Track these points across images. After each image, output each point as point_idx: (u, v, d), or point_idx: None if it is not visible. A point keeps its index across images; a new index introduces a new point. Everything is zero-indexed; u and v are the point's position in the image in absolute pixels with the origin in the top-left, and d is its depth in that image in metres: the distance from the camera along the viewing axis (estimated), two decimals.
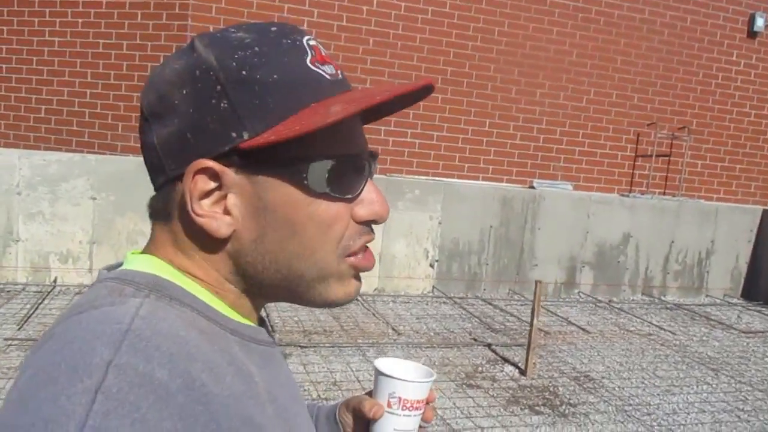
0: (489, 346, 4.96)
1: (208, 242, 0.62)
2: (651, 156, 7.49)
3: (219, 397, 0.52)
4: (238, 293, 0.65)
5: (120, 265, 0.65)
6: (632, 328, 5.85)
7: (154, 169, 0.63)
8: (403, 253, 6.32)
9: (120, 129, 6.25)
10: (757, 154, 7.94)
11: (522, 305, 6.32)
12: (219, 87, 0.58)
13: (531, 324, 4.37)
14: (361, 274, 0.67)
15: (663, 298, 7.21)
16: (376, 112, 0.67)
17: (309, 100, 0.59)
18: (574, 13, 7.02)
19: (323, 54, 0.63)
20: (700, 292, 7.47)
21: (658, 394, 4.26)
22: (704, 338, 5.77)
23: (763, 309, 7.10)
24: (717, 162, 7.81)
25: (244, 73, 0.58)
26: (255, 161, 0.59)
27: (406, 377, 0.85)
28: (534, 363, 4.49)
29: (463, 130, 6.84)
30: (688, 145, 7.56)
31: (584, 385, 4.31)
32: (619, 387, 4.34)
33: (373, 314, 5.53)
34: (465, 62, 6.75)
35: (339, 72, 0.64)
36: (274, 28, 0.62)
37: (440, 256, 6.48)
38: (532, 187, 6.96)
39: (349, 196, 0.63)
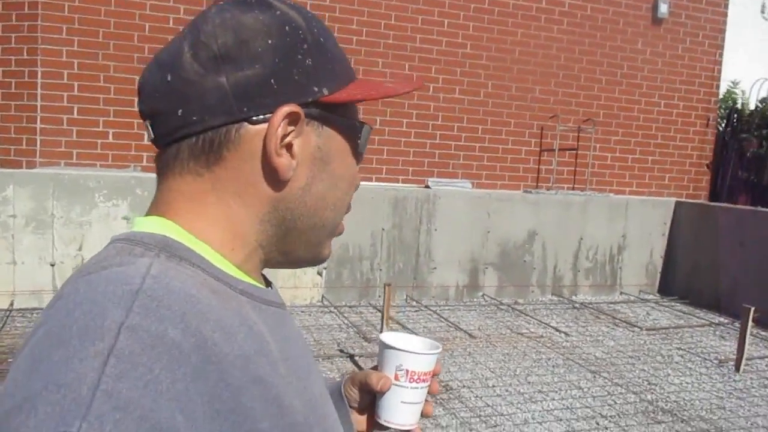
0: (351, 357, 4.57)
1: (260, 185, 0.63)
2: (555, 150, 7.19)
3: (230, 356, 0.52)
4: (254, 248, 0.66)
5: None
6: (524, 331, 5.51)
7: (207, 109, 0.61)
8: None
9: None
10: (670, 145, 7.68)
11: (416, 311, 5.96)
12: (306, 46, 0.64)
13: (381, 332, 4.01)
14: None
15: (574, 297, 6.88)
16: None
17: (353, 77, 0.69)
18: (465, 4, 6.71)
19: None
20: (614, 289, 7.16)
21: (518, 403, 3.90)
22: (599, 338, 5.44)
23: (676, 304, 6.81)
24: (628, 154, 7.52)
25: (322, 40, 0.66)
26: (327, 115, 0.66)
27: (414, 349, 0.85)
28: None
29: None
30: (594, 137, 7.28)
31: (438, 397, 3.94)
32: (476, 396, 3.97)
33: None
34: (351, 57, 6.40)
35: None
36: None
37: (329, 263, 6.09)
38: (428, 187, 6.61)
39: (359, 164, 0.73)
